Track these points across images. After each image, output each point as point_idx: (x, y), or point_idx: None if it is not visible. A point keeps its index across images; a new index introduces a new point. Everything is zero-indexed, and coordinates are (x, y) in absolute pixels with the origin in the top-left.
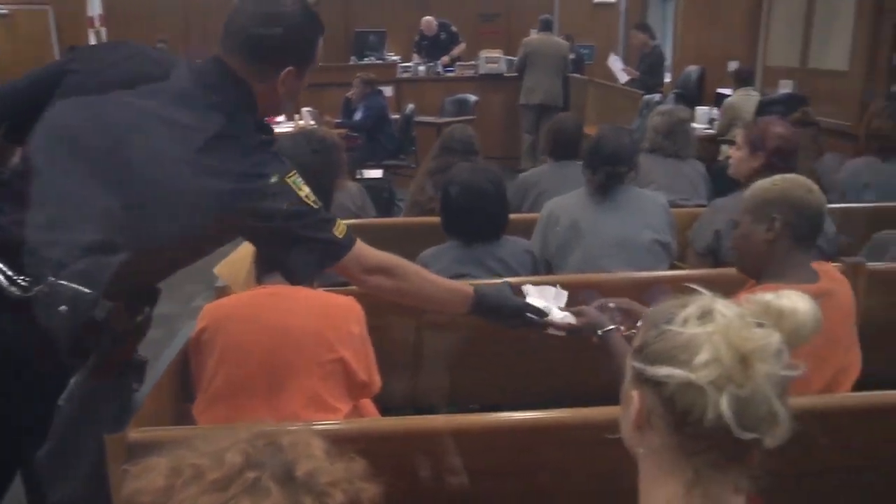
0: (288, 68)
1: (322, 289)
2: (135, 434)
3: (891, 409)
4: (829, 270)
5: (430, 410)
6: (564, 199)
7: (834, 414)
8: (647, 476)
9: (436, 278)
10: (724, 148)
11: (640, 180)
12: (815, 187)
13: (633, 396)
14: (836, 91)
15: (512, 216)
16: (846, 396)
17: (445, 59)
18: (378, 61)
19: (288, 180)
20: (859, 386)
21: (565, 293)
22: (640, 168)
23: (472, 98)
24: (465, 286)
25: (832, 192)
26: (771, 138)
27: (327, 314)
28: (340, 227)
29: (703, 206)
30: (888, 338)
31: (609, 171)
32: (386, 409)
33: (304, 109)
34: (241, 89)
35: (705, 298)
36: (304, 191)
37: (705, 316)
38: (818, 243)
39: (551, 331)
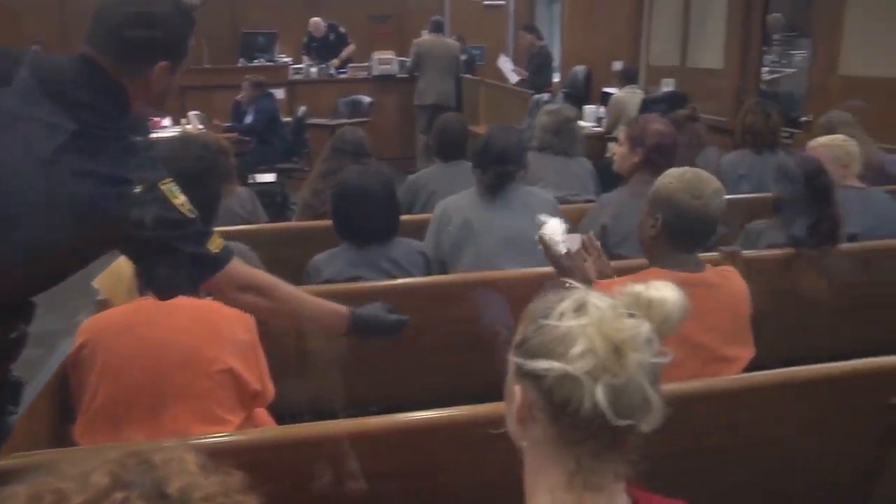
0: (160, 63)
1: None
2: (6, 461)
3: (767, 388)
4: (725, 270)
5: (331, 415)
6: (456, 199)
7: (717, 396)
8: (531, 468)
9: (312, 299)
10: (612, 145)
11: (530, 178)
12: (708, 191)
13: (516, 391)
14: (713, 88)
15: (404, 217)
16: (729, 379)
17: (335, 61)
18: (268, 63)
19: (162, 187)
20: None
21: (578, 237)
22: (530, 166)
23: (367, 99)
24: (341, 307)
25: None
26: (649, 135)
27: (213, 323)
28: (216, 242)
29: (592, 201)
30: (763, 322)
31: (498, 171)
32: (284, 416)
33: (192, 113)
34: (109, 87)
35: (580, 292)
36: (180, 199)
37: (580, 309)
38: None
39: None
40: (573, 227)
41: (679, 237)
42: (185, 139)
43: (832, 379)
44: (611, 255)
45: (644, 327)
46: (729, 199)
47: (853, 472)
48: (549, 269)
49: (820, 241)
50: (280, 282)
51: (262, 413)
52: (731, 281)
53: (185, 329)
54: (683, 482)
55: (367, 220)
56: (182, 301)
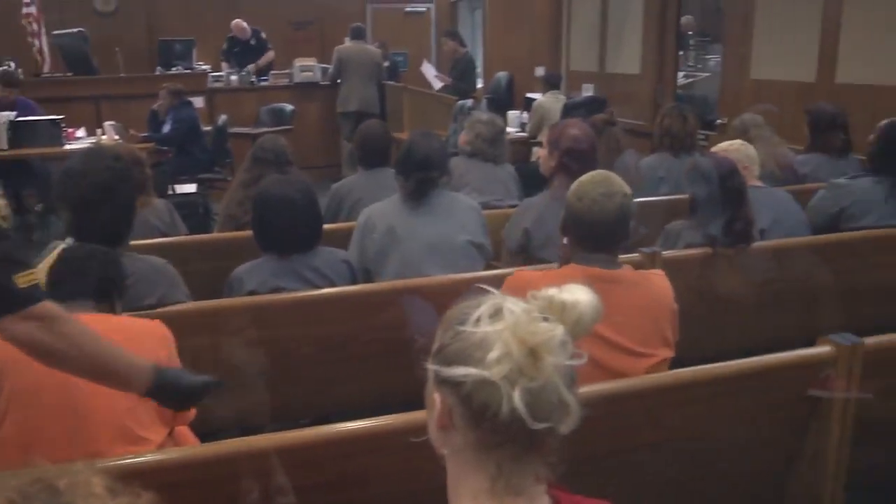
0: None
1: (127, 314)
2: None
3: (691, 385)
4: (651, 272)
5: (259, 430)
6: (380, 206)
7: (642, 394)
8: (453, 475)
9: (113, 350)
10: (536, 149)
11: (455, 184)
12: (593, 193)
13: (435, 399)
14: (631, 93)
15: (330, 226)
16: (654, 377)
17: (252, 67)
18: (186, 71)
19: None
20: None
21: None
22: (456, 171)
23: (289, 107)
24: (146, 365)
25: (632, 187)
26: (564, 140)
27: (130, 341)
28: (28, 277)
29: (516, 206)
30: (684, 321)
31: (421, 177)
32: (209, 433)
33: (107, 124)
34: None
35: (496, 297)
36: None
37: (495, 314)
38: None
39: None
40: (496, 230)
41: (579, 237)
42: (96, 150)
43: (752, 374)
44: (533, 258)
45: (558, 330)
46: (648, 202)
47: (774, 460)
48: (475, 274)
49: (734, 239)
50: (73, 318)
51: (184, 431)
52: (651, 282)
53: None
54: (612, 481)
55: (288, 229)
56: (98, 320)
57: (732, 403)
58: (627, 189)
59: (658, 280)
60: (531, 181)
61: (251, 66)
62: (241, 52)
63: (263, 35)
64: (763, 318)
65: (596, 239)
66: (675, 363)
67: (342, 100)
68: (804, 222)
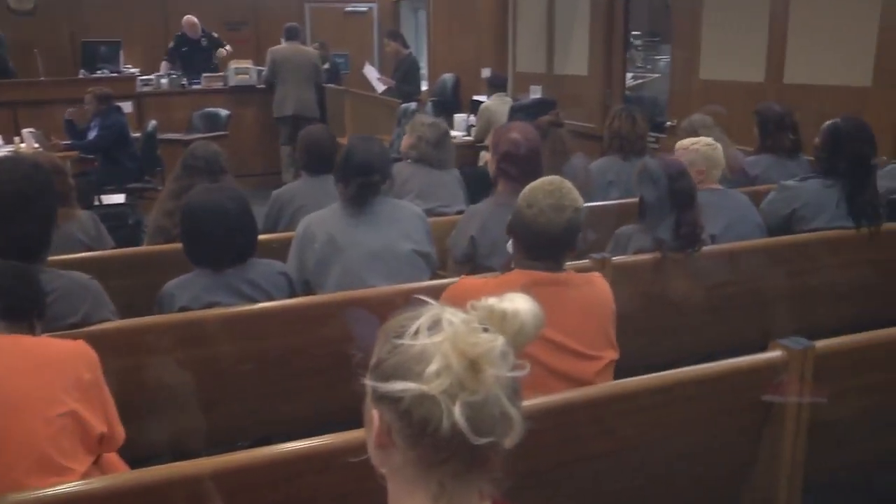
0: None
1: (47, 334)
2: None
3: (644, 392)
4: (590, 274)
5: (194, 455)
6: (320, 215)
7: (594, 403)
8: (394, 494)
9: None
10: (483, 153)
11: (399, 190)
12: (543, 203)
13: (373, 416)
14: (580, 95)
15: (267, 236)
16: (606, 386)
17: (224, 50)
18: (113, 74)
19: None
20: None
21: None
22: (400, 177)
23: (224, 112)
24: None
25: (581, 191)
26: (502, 143)
27: (51, 363)
28: None
29: (463, 212)
30: (635, 327)
31: (362, 182)
32: (141, 459)
33: (26, 131)
34: None
35: (434, 308)
36: None
37: (434, 326)
38: None
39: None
40: (442, 238)
41: (524, 245)
42: (12, 158)
43: (704, 381)
44: (481, 267)
45: (499, 341)
46: (598, 206)
47: (729, 467)
48: (419, 284)
49: (683, 243)
50: None
51: (111, 458)
52: (593, 284)
53: (19, 372)
54: (562, 493)
55: (220, 241)
56: (16, 342)
57: (685, 411)
58: (580, 202)
59: (599, 281)
60: (479, 186)
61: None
62: (189, 52)
63: (216, 35)
64: (715, 323)
65: (540, 248)
66: (626, 371)
67: (277, 104)
68: (761, 226)
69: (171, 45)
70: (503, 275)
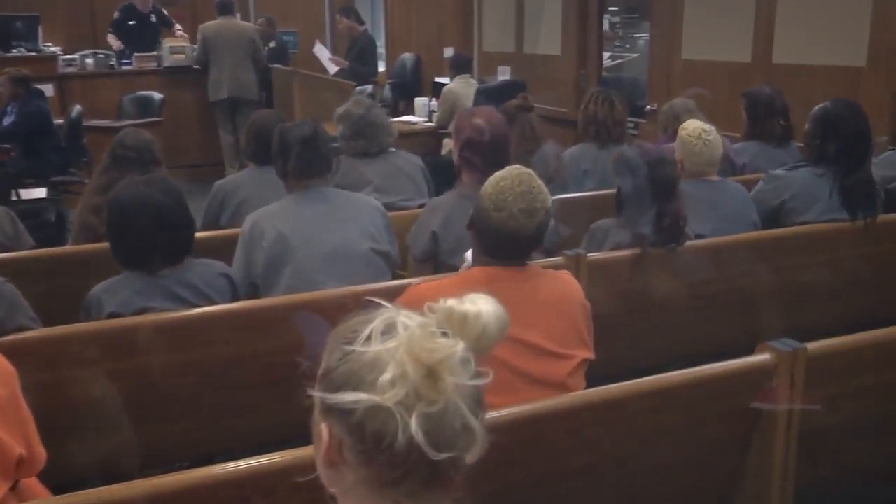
0: None
1: None
2: None
3: (624, 400)
4: (557, 271)
5: (128, 477)
6: (269, 210)
7: (571, 413)
8: None
9: None
10: (447, 140)
11: (355, 184)
12: (515, 206)
13: (322, 431)
14: (553, 76)
15: (207, 233)
16: (583, 394)
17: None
18: (31, 53)
19: None
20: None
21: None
22: (354, 171)
23: (158, 96)
24: None
25: (553, 182)
26: (465, 130)
27: None
28: None
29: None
30: (614, 329)
31: (303, 152)
32: (68, 484)
33: None
34: None
35: (389, 311)
36: None
37: (388, 330)
38: None
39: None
40: (404, 235)
41: (487, 243)
42: None
43: (687, 387)
44: (444, 266)
45: (459, 346)
46: (572, 198)
47: (716, 479)
48: (378, 285)
49: (664, 238)
50: None
51: (31, 483)
52: (559, 278)
53: None
54: None
55: (152, 239)
56: None
57: (668, 420)
58: (549, 200)
59: (566, 277)
60: (443, 176)
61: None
62: (138, 26)
63: (166, 13)
64: (699, 324)
65: (507, 251)
66: (605, 377)
67: (212, 86)
68: (756, 222)
69: (116, 15)
70: (460, 273)
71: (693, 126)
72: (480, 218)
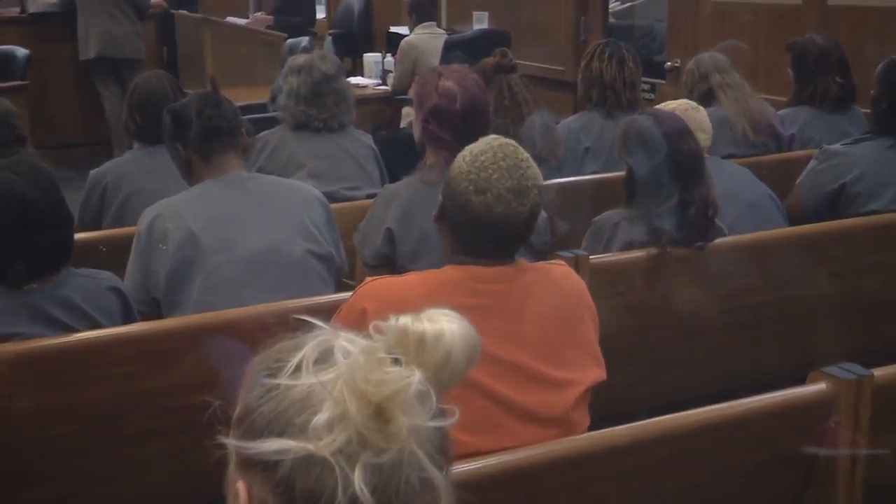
0: None
1: None
2: None
3: (634, 448)
4: (553, 263)
5: None
6: (173, 204)
7: (562, 464)
8: None
9: None
10: (407, 110)
11: (285, 168)
12: (500, 186)
13: (239, 490)
14: (543, 24)
15: (87, 235)
16: (578, 440)
17: None
18: None
19: None
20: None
21: None
22: (283, 150)
23: (22, 52)
24: None
25: (544, 164)
26: (430, 96)
27: None
28: None
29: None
30: (622, 354)
31: (205, 112)
32: None
33: None
34: None
35: (325, 334)
36: None
37: (324, 359)
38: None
39: None
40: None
41: (462, 242)
42: None
43: (720, 428)
44: (402, 272)
45: (415, 377)
46: (570, 184)
47: None
48: (316, 299)
49: (690, 234)
50: None
51: None
52: (553, 273)
53: None
54: None
55: (16, 244)
56: None
57: (695, 471)
58: (539, 177)
59: (562, 270)
60: (401, 158)
61: None
62: None
63: None
64: (735, 346)
65: (492, 246)
66: (614, 417)
67: (81, 41)
68: (778, 216)
69: None
70: (431, 272)
71: (688, 104)
72: (455, 205)
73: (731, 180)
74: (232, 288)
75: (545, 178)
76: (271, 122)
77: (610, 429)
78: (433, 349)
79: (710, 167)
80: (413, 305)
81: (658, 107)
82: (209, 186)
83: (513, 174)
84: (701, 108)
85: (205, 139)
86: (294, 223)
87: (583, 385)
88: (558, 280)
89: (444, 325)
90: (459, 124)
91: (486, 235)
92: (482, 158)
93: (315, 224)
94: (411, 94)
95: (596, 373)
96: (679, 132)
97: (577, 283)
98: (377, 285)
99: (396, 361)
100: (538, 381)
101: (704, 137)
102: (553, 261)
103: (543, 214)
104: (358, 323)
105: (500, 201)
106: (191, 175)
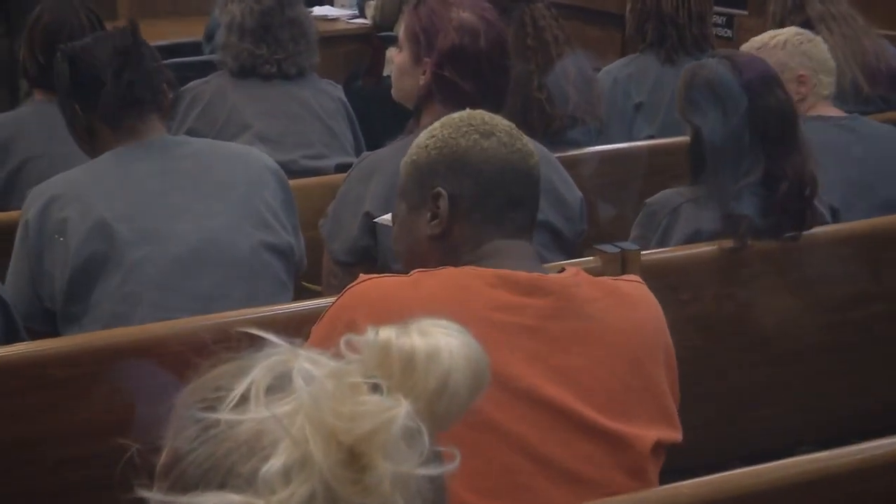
0: None
1: None
2: None
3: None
4: (627, 281)
5: None
6: (73, 181)
7: None
8: None
9: None
10: (390, 52)
11: (218, 127)
12: (501, 123)
13: None
14: None
15: None
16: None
17: None
18: None
19: None
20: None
21: None
22: (223, 104)
23: None
24: None
25: (580, 125)
26: (443, 32)
27: None
28: None
29: (351, 164)
30: (685, 384)
31: (121, 103)
32: None
33: None
34: None
35: (280, 353)
36: None
37: (279, 386)
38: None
39: None
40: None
41: (479, 208)
42: None
43: (830, 481)
44: (385, 270)
45: (400, 410)
46: (615, 151)
47: None
48: (274, 309)
49: (779, 221)
50: None
51: None
52: (628, 297)
53: None
54: None
55: None
56: None
57: None
58: (534, 150)
59: (636, 290)
60: (384, 115)
61: None
62: None
63: None
64: (840, 373)
65: (514, 212)
66: (675, 469)
67: None
68: None
69: None
70: (442, 272)
71: (798, 30)
72: (458, 162)
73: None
74: (157, 294)
75: (583, 145)
76: (207, 68)
77: (672, 485)
78: (425, 372)
79: (841, 132)
80: (421, 316)
81: (755, 39)
82: (123, 157)
83: (480, 116)
84: (818, 38)
85: (118, 108)
86: (241, 205)
87: (645, 444)
88: (631, 302)
89: (441, 339)
90: (485, 69)
91: (516, 189)
92: (454, 118)
93: (269, 206)
94: (399, 31)
95: (665, 433)
96: (765, 81)
97: (654, 309)
98: (370, 288)
99: (376, 388)
100: (585, 431)
101: (828, 81)
102: (628, 276)
103: (577, 195)
104: None
105: (513, 139)
106: (93, 144)
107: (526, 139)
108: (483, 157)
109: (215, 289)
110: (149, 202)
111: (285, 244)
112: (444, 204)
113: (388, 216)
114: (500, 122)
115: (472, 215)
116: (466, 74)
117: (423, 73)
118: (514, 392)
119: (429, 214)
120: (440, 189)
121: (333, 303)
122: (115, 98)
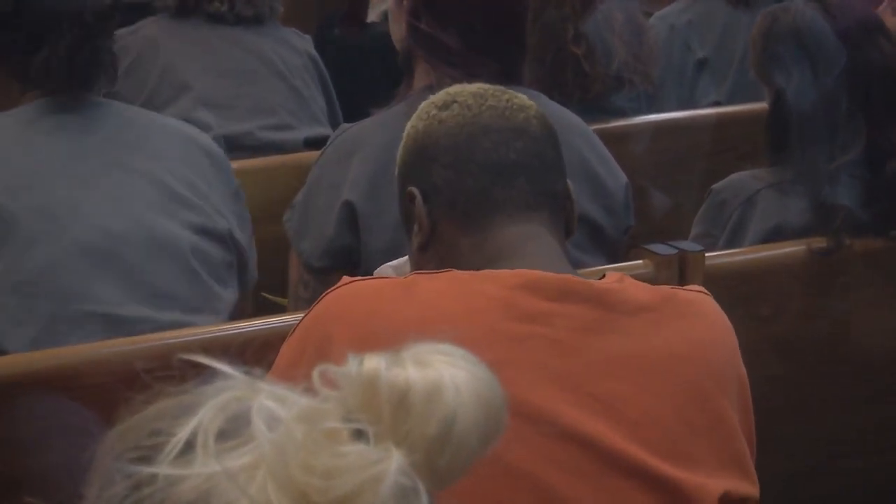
0: None
1: None
2: None
3: None
4: (690, 293)
5: None
6: None
7: None
8: None
9: None
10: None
11: (156, 90)
12: (489, 91)
13: None
14: None
15: None
16: None
17: None
18: None
19: None
20: None
21: None
22: (153, 57)
23: None
24: None
25: (632, 87)
26: None
27: None
28: None
29: (324, 140)
30: (763, 413)
31: (54, 70)
32: None
33: None
34: None
35: (235, 387)
36: None
37: (234, 431)
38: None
39: None
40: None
41: (468, 192)
42: None
43: None
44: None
45: (391, 465)
46: (672, 122)
47: None
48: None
49: (890, 213)
50: None
51: None
52: (697, 313)
53: None
54: None
55: None
56: None
57: None
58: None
59: (706, 304)
60: (365, 76)
61: None
62: None
63: None
64: None
65: (488, 176)
66: None
67: None
68: None
69: None
70: (444, 274)
71: None
72: (419, 148)
73: None
74: (64, 302)
75: (630, 114)
76: (141, 11)
77: None
78: (423, 415)
79: None
80: (417, 332)
81: None
82: (23, 124)
83: (465, 90)
84: None
85: (68, 75)
86: (168, 186)
87: (710, 496)
88: (693, 317)
89: (443, 371)
90: (475, 18)
91: (499, 155)
92: (439, 97)
93: (202, 189)
94: None
95: (736, 484)
96: (867, 28)
97: (723, 327)
98: (351, 294)
99: (359, 436)
100: (631, 477)
101: None
102: (694, 287)
103: (622, 179)
104: (316, 364)
105: (481, 98)
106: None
107: (510, 94)
108: (442, 130)
109: (144, 295)
110: (54, 182)
111: (221, 231)
112: (418, 203)
113: (392, 263)
114: (472, 88)
115: (455, 205)
116: (448, 23)
117: (401, 22)
118: (539, 425)
119: (415, 227)
120: (411, 189)
121: (305, 315)
122: (50, 61)
